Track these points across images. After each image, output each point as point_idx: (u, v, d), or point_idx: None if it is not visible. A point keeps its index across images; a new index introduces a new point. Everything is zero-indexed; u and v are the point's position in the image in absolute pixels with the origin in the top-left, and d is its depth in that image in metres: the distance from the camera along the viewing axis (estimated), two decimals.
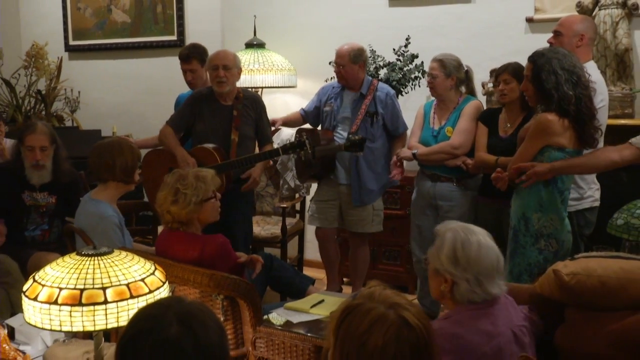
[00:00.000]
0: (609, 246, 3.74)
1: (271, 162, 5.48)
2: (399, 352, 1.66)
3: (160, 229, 3.74)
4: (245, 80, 5.46)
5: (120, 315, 2.16)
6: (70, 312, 2.12)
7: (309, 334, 3.21)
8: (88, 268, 2.20)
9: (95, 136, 6.04)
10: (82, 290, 2.14)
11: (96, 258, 2.25)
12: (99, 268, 2.21)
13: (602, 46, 4.74)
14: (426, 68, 5.05)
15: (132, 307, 2.17)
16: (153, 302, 1.88)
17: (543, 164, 3.32)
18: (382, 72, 5.37)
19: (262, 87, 5.79)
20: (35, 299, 2.17)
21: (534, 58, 3.37)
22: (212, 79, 4.55)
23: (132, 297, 2.18)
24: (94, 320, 2.14)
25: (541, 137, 3.31)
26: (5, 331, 2.99)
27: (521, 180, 3.38)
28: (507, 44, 5.21)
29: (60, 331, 2.24)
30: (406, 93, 5.34)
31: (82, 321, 2.13)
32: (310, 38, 6.06)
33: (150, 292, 2.24)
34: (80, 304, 2.12)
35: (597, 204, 3.90)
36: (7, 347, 2.90)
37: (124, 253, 2.37)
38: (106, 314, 2.14)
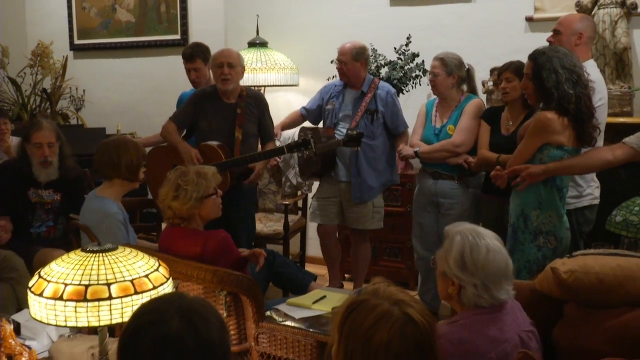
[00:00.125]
0: (608, 243, 3.67)
1: (277, 160, 5.51)
2: (403, 348, 1.67)
3: (164, 226, 3.76)
4: (247, 79, 5.46)
5: (124, 310, 2.15)
6: (75, 307, 2.13)
7: (311, 330, 3.22)
8: (93, 264, 2.21)
9: (99, 134, 6.06)
10: (87, 286, 2.14)
11: (101, 254, 2.25)
12: (104, 264, 2.21)
13: (601, 45, 4.77)
14: (427, 67, 5.08)
15: (136, 303, 2.16)
16: (155, 297, 1.89)
17: (537, 166, 3.33)
18: (384, 71, 5.39)
19: (265, 86, 5.78)
20: (40, 295, 2.17)
21: (535, 56, 3.37)
22: (216, 76, 4.54)
23: (136, 293, 2.18)
24: (98, 316, 2.14)
25: (541, 135, 3.32)
26: (12, 326, 2.97)
27: (516, 182, 3.40)
28: (507, 42, 5.23)
29: (66, 326, 2.22)
30: (407, 92, 5.36)
31: (87, 317, 2.14)
32: (312, 37, 6.07)
33: (154, 288, 2.24)
34: (85, 299, 2.12)
35: (596, 201, 3.90)
36: (13, 342, 2.89)
37: (128, 249, 2.37)
38: (111, 310, 2.14)
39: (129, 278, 2.20)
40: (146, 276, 2.25)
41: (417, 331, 1.69)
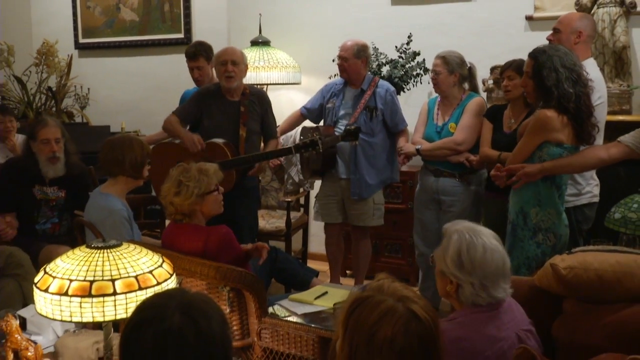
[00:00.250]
0: (607, 240, 3.68)
1: (280, 160, 5.53)
2: (407, 344, 1.67)
3: (167, 222, 3.76)
4: (250, 78, 5.46)
5: (128, 306, 2.15)
6: (80, 303, 2.12)
7: (313, 325, 3.23)
8: (97, 260, 2.20)
9: (104, 132, 6.11)
10: (91, 282, 2.14)
11: (105, 251, 2.25)
12: (108, 260, 2.21)
13: (600, 44, 4.79)
14: (428, 65, 5.10)
15: (140, 299, 2.13)
16: (157, 293, 1.88)
17: (533, 165, 3.34)
18: (385, 70, 5.40)
19: (267, 84, 5.80)
20: (46, 291, 2.17)
21: (535, 55, 3.37)
22: (220, 74, 4.55)
23: (140, 288, 2.17)
24: (103, 311, 2.14)
25: (540, 132, 3.33)
26: (18, 322, 2.93)
27: (513, 181, 3.41)
28: (507, 41, 5.25)
29: (71, 322, 2.21)
30: (408, 90, 5.38)
31: (92, 312, 2.13)
32: (315, 36, 6.10)
33: (158, 284, 2.23)
34: (90, 295, 2.12)
35: (596, 199, 3.90)
36: (19, 337, 2.86)
37: (132, 246, 2.36)
38: (115, 305, 2.14)
39: (133, 274, 2.20)
40: (150, 272, 2.24)
41: (421, 327, 1.69)
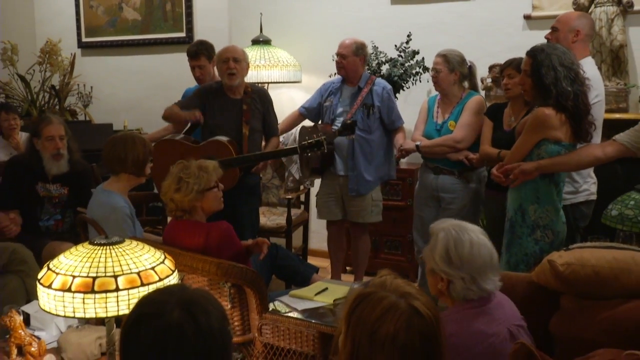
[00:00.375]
0: (604, 236, 3.68)
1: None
2: (409, 339, 1.67)
3: (169, 219, 3.82)
4: (251, 76, 5.48)
5: (131, 302, 2.15)
6: (83, 299, 2.14)
7: (313, 321, 3.24)
8: (100, 257, 2.21)
9: (107, 130, 6.12)
10: (94, 278, 2.15)
11: (108, 247, 2.26)
12: (111, 257, 2.22)
13: (598, 42, 4.81)
14: (427, 64, 5.13)
15: (142, 295, 2.08)
16: (157, 289, 1.87)
17: (529, 163, 3.35)
18: (384, 68, 5.43)
19: (268, 83, 5.81)
20: (49, 287, 2.18)
21: (534, 53, 3.37)
22: (222, 71, 4.55)
23: (142, 284, 2.19)
24: (106, 307, 2.15)
25: (539, 130, 3.33)
26: (21, 317, 2.98)
27: (510, 180, 3.42)
28: (506, 40, 5.27)
29: (74, 317, 2.21)
30: (407, 88, 5.41)
31: (95, 308, 2.14)
32: (315, 35, 6.12)
33: (160, 280, 2.24)
34: (92, 291, 2.13)
35: (593, 197, 3.92)
36: (22, 332, 2.91)
37: (135, 242, 2.37)
38: (118, 301, 2.15)
39: (135, 270, 2.21)
40: (152, 268, 2.26)
41: (423, 323, 1.70)
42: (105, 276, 2.17)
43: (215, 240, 3.42)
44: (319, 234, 5.58)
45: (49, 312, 2.23)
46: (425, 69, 5.29)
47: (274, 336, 3.28)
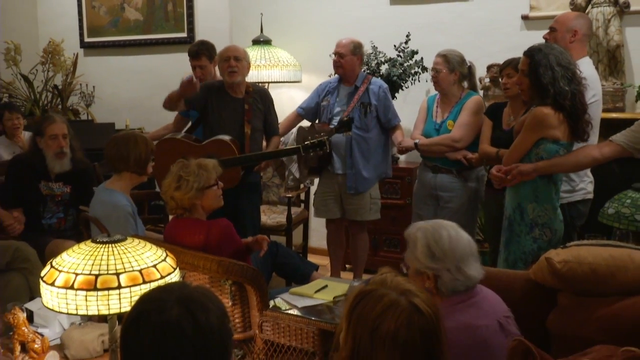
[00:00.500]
0: (601, 234, 3.67)
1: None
2: (409, 337, 1.68)
3: (171, 218, 3.82)
4: (252, 76, 5.50)
5: (133, 299, 2.15)
6: (86, 296, 2.14)
7: (313, 318, 3.25)
8: (103, 255, 2.22)
9: (109, 129, 6.14)
10: (97, 276, 2.16)
11: (110, 245, 2.26)
12: (113, 255, 2.23)
13: (595, 42, 4.84)
14: (426, 64, 5.15)
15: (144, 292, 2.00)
16: (157, 286, 1.85)
17: (527, 164, 3.35)
18: (384, 68, 5.44)
19: (269, 82, 5.83)
20: (52, 284, 2.19)
21: (532, 53, 3.37)
22: (223, 70, 4.57)
23: (144, 282, 2.19)
24: (108, 305, 2.16)
25: (537, 129, 3.33)
26: (24, 314, 2.97)
27: (508, 180, 3.42)
28: (504, 40, 5.29)
29: (77, 315, 2.22)
30: (406, 88, 5.43)
31: (97, 305, 2.15)
32: (315, 35, 6.13)
33: (162, 277, 2.24)
34: (95, 288, 2.14)
35: (590, 196, 3.93)
36: (26, 329, 2.90)
37: (136, 240, 2.37)
38: (120, 299, 2.16)
39: (137, 268, 2.22)
40: (154, 266, 2.26)
41: (424, 321, 1.71)
42: (107, 274, 2.18)
43: (216, 238, 3.45)
44: (318, 232, 5.60)
45: (52, 310, 2.24)
46: (424, 69, 5.31)
47: (274, 333, 3.30)
